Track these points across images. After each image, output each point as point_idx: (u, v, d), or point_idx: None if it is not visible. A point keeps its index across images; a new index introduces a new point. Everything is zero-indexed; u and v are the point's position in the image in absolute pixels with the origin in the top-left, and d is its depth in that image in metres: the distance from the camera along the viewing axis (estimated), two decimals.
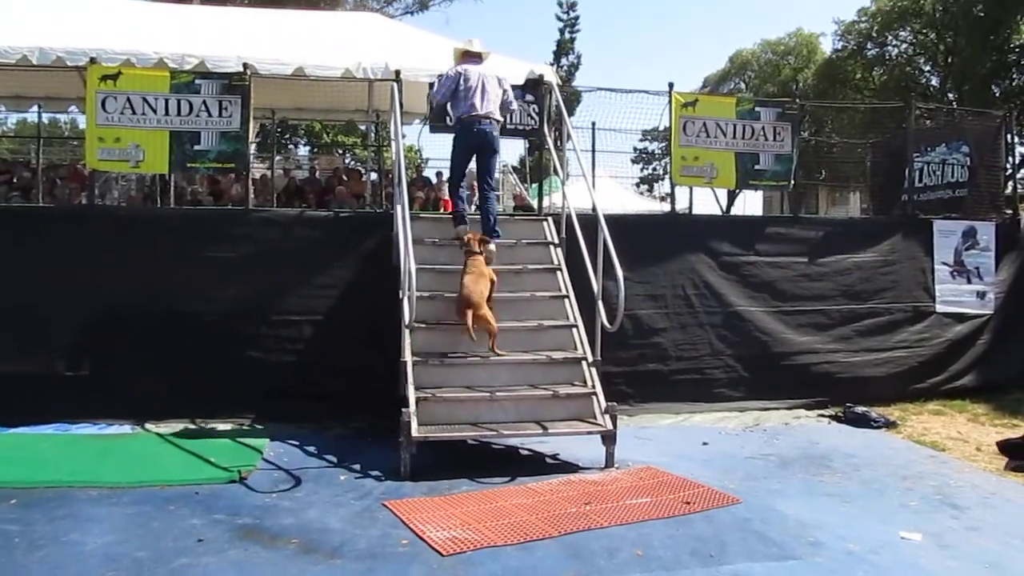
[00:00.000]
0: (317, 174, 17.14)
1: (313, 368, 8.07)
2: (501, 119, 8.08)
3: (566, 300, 7.65)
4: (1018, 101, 29.73)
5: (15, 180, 12.55)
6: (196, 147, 8.24)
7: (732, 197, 20.46)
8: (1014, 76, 31.82)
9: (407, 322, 6.51)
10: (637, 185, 27.06)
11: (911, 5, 34.78)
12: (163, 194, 11.48)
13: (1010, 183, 11.87)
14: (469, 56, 8.19)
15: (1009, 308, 10.45)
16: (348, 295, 8.25)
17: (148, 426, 7.70)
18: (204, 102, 8.23)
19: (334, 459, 6.86)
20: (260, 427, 7.79)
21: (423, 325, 7.05)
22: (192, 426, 7.76)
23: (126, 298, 7.95)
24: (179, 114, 8.20)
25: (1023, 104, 29.33)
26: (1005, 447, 7.54)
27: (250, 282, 8.15)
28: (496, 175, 8.62)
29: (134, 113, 8.13)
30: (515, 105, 8.58)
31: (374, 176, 13.19)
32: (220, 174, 11.66)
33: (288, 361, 8.11)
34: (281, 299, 8.19)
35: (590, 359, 7.15)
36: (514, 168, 19.34)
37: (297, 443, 7.32)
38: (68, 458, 6.70)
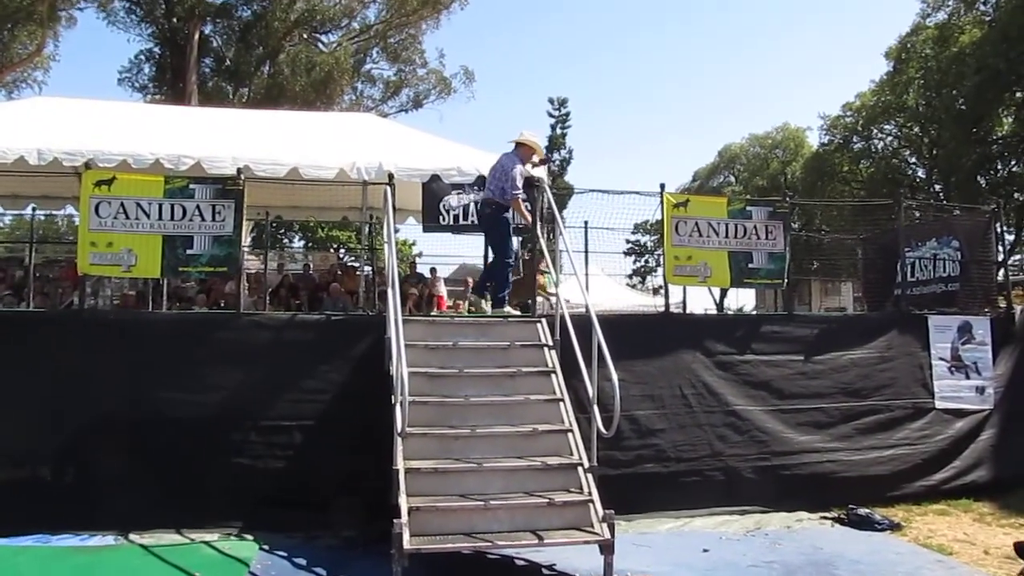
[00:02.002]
0: (311, 270, 17.17)
1: (303, 475, 7.88)
2: (501, 202, 8.96)
3: (561, 404, 7.52)
4: (1004, 192, 30.20)
5: (5, 279, 12.52)
6: (189, 251, 8.24)
7: (724, 291, 20.52)
8: (999, 168, 32.33)
9: (400, 429, 6.37)
10: (630, 277, 27.20)
11: (895, 100, 35.59)
12: (155, 293, 11.46)
13: (1000, 271, 11.84)
14: (519, 147, 9.31)
15: (1009, 403, 10.35)
16: (339, 400, 8.12)
17: (132, 537, 7.46)
18: (198, 206, 8.26)
19: (324, 572, 6.65)
20: (248, 536, 7.56)
21: (416, 431, 6.89)
22: (178, 536, 7.52)
23: (112, 403, 7.79)
24: (172, 219, 8.21)
25: (1009, 195, 29.92)
26: (1022, 549, 7.27)
27: (240, 387, 8.03)
28: (504, 249, 9.28)
29: (127, 218, 8.14)
30: (514, 192, 8.94)
31: (368, 269, 13.17)
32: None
33: (278, 468, 7.92)
34: (271, 404, 8.05)
35: (586, 465, 6.98)
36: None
37: (286, 554, 7.10)
38: (47, 574, 6.45)
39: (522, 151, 9.29)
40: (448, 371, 7.60)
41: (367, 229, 13.66)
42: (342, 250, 35.62)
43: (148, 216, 8.17)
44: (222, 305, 12.29)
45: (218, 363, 8.07)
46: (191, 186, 8.37)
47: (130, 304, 12.29)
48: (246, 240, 14.03)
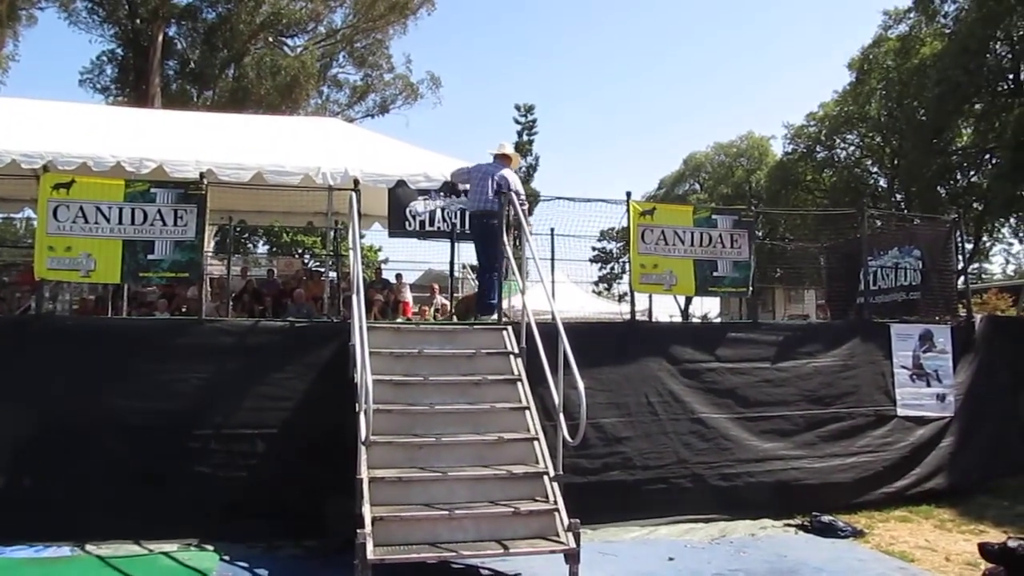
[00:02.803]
0: (275, 275, 17.01)
1: (265, 484, 7.77)
2: (492, 209, 9.37)
3: (527, 412, 7.50)
4: (963, 202, 30.71)
5: None
6: (150, 256, 8.10)
7: (689, 299, 20.65)
8: (958, 178, 32.86)
9: (363, 438, 6.30)
10: (596, 284, 27.32)
11: (857, 110, 36.08)
12: (116, 298, 11.27)
13: (960, 280, 11.99)
14: (497, 158, 9.71)
15: (968, 410, 10.46)
16: (303, 408, 8.03)
17: (89, 548, 7.30)
18: (159, 211, 8.14)
19: None
20: (209, 547, 7.42)
21: (380, 440, 6.82)
22: (137, 547, 7.37)
23: (70, 410, 7.63)
24: (133, 223, 8.07)
25: (968, 205, 30.43)
26: (987, 551, 7.29)
27: (201, 394, 7.90)
28: (497, 257, 9.44)
29: (87, 222, 7.99)
30: (520, 199, 9.35)
31: (333, 275, 13.07)
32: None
33: (239, 477, 7.80)
34: (233, 412, 7.94)
35: (552, 473, 6.95)
36: (473, 268, 19.32)
37: (247, 565, 6.99)
38: None
39: (503, 161, 9.74)
40: (413, 379, 7.56)
41: (332, 234, 13.55)
42: (307, 255, 35.40)
43: (108, 220, 8.02)
44: (184, 311, 12.14)
45: (179, 370, 7.94)
46: (153, 190, 8.23)
47: (89, 309, 12.11)
48: (209, 245, 13.91)
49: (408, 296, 15.26)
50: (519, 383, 7.79)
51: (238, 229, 24.44)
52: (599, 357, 8.77)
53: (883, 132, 36.33)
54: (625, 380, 9.05)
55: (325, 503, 7.32)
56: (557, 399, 7.08)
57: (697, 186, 56.94)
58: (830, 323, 11.87)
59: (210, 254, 14.55)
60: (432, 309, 15.18)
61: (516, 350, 8.14)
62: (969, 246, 30.62)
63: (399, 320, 13.26)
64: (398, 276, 15.61)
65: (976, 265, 39.52)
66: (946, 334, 10.64)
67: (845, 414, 9.79)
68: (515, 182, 9.60)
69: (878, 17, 35.62)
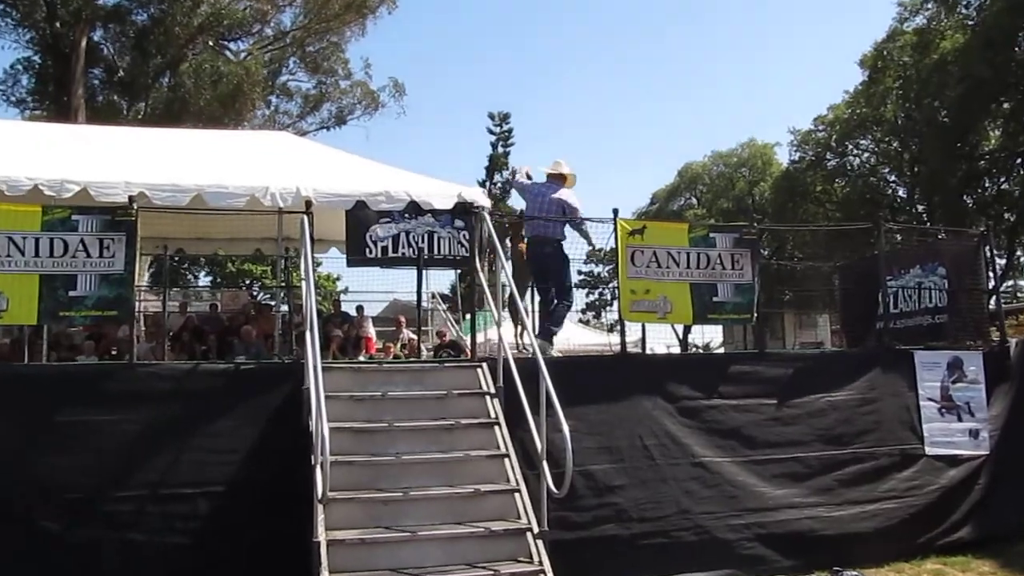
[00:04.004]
0: (219, 309, 16.95)
1: (209, 550, 7.65)
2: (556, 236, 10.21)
3: (506, 460, 7.49)
4: (993, 212, 31.03)
5: None
6: (71, 293, 8.00)
7: (688, 328, 20.75)
8: (986, 185, 33.15)
9: (320, 495, 6.26)
10: (583, 312, 27.39)
11: (871, 113, 36.49)
12: (35, 341, 11.16)
13: (992, 300, 12.06)
14: (551, 178, 10.41)
15: (1005, 447, 10.48)
16: (252, 461, 7.94)
17: None
18: (82, 241, 8.06)
19: None
20: None
21: (340, 496, 6.78)
22: None
23: None
24: (52, 255, 7.99)
25: (998, 215, 30.72)
26: None
27: (133, 449, 7.79)
28: (568, 289, 10.64)
29: None
30: (577, 216, 10.22)
31: (285, 308, 13.04)
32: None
33: (179, 543, 7.66)
34: (171, 469, 7.83)
35: (536, 529, 6.94)
36: (444, 297, 19.34)
37: None
38: None
39: (558, 181, 10.48)
40: (376, 425, 7.54)
41: (283, 263, 13.54)
42: (255, 287, 35.31)
43: (22, 252, 7.93)
44: (114, 354, 12.05)
45: (107, 422, 7.82)
46: (74, 217, 8.15)
47: (3, 355, 11.98)
48: (142, 278, 13.83)
49: (371, 331, 15.24)
50: (497, 427, 7.79)
51: (176, 259, 24.40)
52: (587, 395, 8.77)
53: (901, 136, 36.76)
54: (617, 421, 9.05)
55: (278, 570, 7.24)
56: (540, 444, 7.08)
57: (694, 200, 57.44)
58: (846, 351, 11.95)
59: (143, 288, 14.48)
60: (398, 345, 15.18)
61: (492, 390, 8.15)
62: (1001, 262, 31.02)
63: (360, 358, 13.23)
64: (359, 308, 15.60)
65: (1010, 283, 39.92)
66: (977, 361, 10.69)
67: (866, 454, 9.81)
68: (572, 203, 10.25)
69: (892, 8, 36.18)
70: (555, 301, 10.32)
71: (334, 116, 38.31)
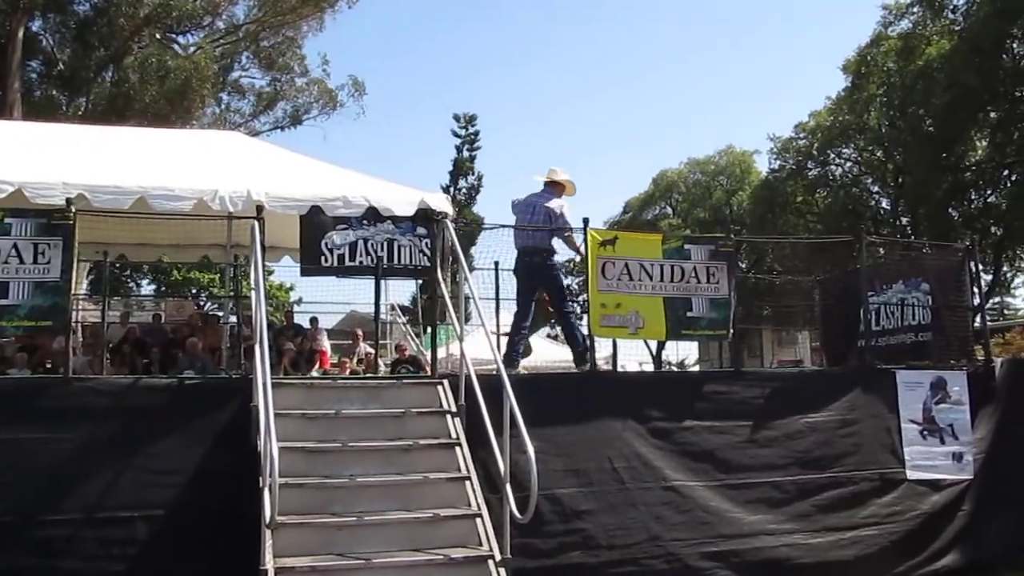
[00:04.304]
0: (163, 320, 16.83)
1: None
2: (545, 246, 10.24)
3: (467, 483, 7.51)
4: (979, 225, 31.44)
5: None
6: (2, 301, 7.92)
7: (662, 344, 20.87)
8: (973, 198, 33.56)
9: (268, 519, 6.22)
10: (551, 327, 27.38)
11: (854, 120, 36.91)
12: None
13: (977, 317, 12.19)
14: (546, 185, 10.62)
15: (990, 471, 10.59)
16: (196, 483, 7.86)
17: None
18: (15, 246, 7.97)
19: None
20: None
21: (290, 521, 6.75)
22: None
23: None
24: None
25: (985, 229, 31.12)
26: None
27: (68, 470, 7.70)
28: (564, 299, 10.82)
29: None
30: (567, 228, 10.28)
31: (234, 320, 12.97)
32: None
33: (116, 571, 7.59)
34: (109, 491, 7.74)
35: (498, 557, 6.95)
36: (404, 309, 19.30)
37: None
38: None
39: (554, 190, 10.52)
40: (330, 445, 7.51)
41: (232, 271, 13.47)
42: (202, 297, 35.07)
43: None
44: (48, 367, 11.93)
45: (40, 440, 7.73)
46: (7, 220, 8.05)
47: None
48: (80, 286, 13.69)
49: (325, 344, 15.20)
50: (458, 448, 7.80)
51: (117, 266, 24.15)
52: (554, 415, 8.78)
53: (884, 145, 37.22)
54: (585, 442, 9.06)
55: None
56: (503, 467, 7.10)
57: (669, 210, 57.76)
58: (826, 370, 12.07)
59: (81, 297, 14.34)
60: (354, 360, 15.13)
61: (454, 408, 8.16)
62: (987, 277, 31.43)
63: (314, 374, 13.19)
64: (313, 320, 15.55)
65: (996, 300, 40.47)
66: (962, 382, 10.81)
67: (845, 479, 9.89)
68: (557, 211, 10.28)
69: (877, 12, 36.61)
70: (563, 318, 10.68)
71: (289, 115, 38.18)
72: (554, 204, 10.30)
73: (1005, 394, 11.12)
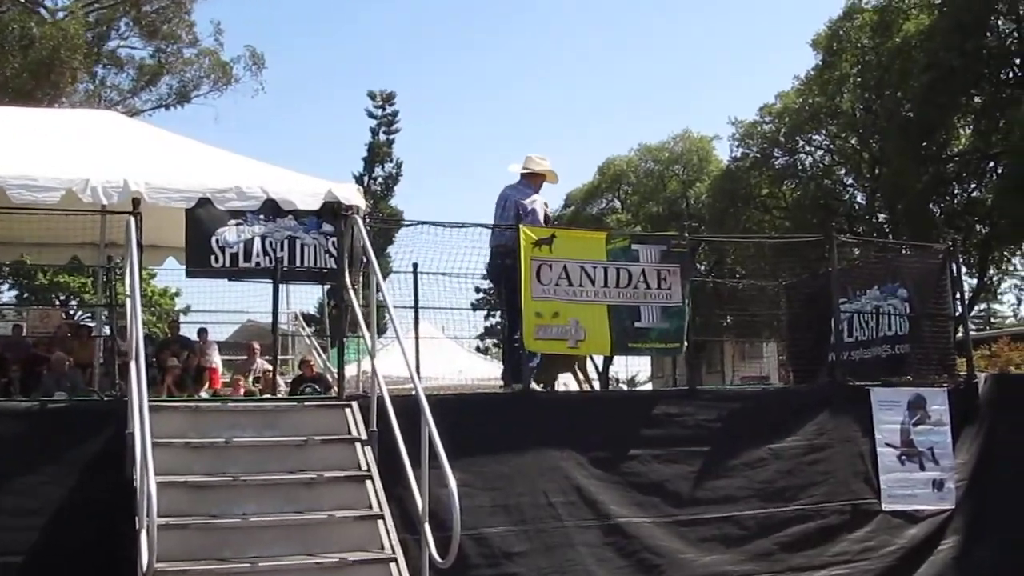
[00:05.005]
0: (25, 332, 16.53)
1: None
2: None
3: (380, 522, 7.49)
4: (963, 223, 31.95)
5: None
6: None
7: (609, 358, 20.93)
8: (956, 192, 34.07)
9: (144, 566, 6.12)
10: (481, 339, 27.35)
11: (825, 103, 37.33)
12: None
13: (959, 326, 12.36)
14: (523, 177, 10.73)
15: (973, 500, 10.78)
16: (61, 524, 7.75)
17: None
18: None
19: None
20: None
21: (170, 569, 6.65)
22: None
23: None
24: None
25: (969, 227, 31.62)
26: None
27: None
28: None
29: None
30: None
31: (107, 331, 12.78)
32: None
33: None
34: None
35: None
36: (309, 318, 19.15)
37: None
38: None
39: (532, 181, 10.61)
40: (218, 480, 7.44)
41: (105, 275, 13.26)
42: (72, 304, 34.54)
43: None
44: None
45: None
46: None
47: None
48: None
49: (216, 360, 15.06)
50: (369, 482, 7.77)
51: None
52: (481, 442, 8.79)
53: (859, 132, 37.68)
54: (517, 474, 9.08)
55: None
56: (421, 503, 7.08)
57: (617, 203, 57.98)
58: (792, 388, 12.17)
59: None
60: (250, 378, 14.98)
61: (364, 435, 8.14)
62: (972, 282, 31.99)
63: (202, 394, 13.04)
64: (202, 332, 15.37)
65: (982, 306, 41.23)
66: (942, 400, 10.98)
67: (813, 512, 10.02)
68: (528, 207, 10.30)
69: None
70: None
71: (175, 92, 37.78)
72: (527, 200, 10.33)
73: (989, 413, 11.30)
